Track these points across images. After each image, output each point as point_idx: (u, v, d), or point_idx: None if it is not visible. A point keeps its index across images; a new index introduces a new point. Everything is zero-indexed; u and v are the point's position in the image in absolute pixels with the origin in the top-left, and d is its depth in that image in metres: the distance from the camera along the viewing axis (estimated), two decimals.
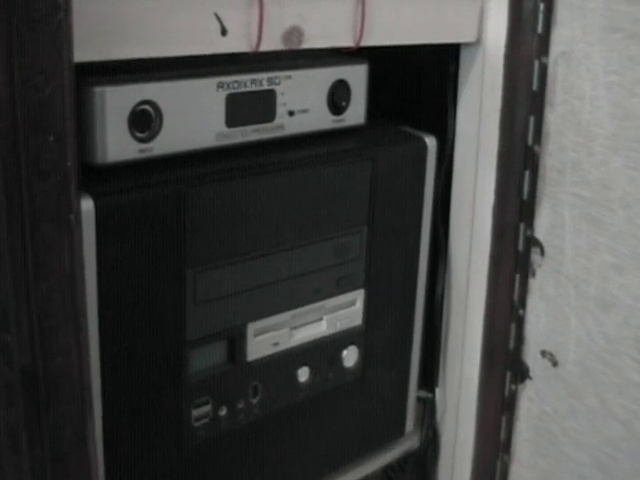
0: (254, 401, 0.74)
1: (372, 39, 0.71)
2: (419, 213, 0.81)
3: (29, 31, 0.47)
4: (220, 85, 0.67)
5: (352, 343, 0.80)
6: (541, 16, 0.74)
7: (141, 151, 0.64)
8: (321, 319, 0.77)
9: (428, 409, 0.92)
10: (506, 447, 0.87)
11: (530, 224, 0.80)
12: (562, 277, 0.77)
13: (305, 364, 0.77)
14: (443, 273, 0.87)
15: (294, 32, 0.66)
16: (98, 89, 0.60)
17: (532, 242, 0.80)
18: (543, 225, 0.79)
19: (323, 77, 0.74)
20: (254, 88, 0.69)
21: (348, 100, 0.76)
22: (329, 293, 0.76)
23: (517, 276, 0.81)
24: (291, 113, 0.72)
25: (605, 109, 0.71)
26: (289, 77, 0.71)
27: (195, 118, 0.66)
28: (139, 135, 0.63)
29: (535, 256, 0.80)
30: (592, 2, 0.70)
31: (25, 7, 0.46)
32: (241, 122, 0.69)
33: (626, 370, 0.73)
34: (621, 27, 0.69)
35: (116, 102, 0.61)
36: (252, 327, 0.71)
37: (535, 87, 0.76)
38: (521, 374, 0.84)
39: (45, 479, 0.53)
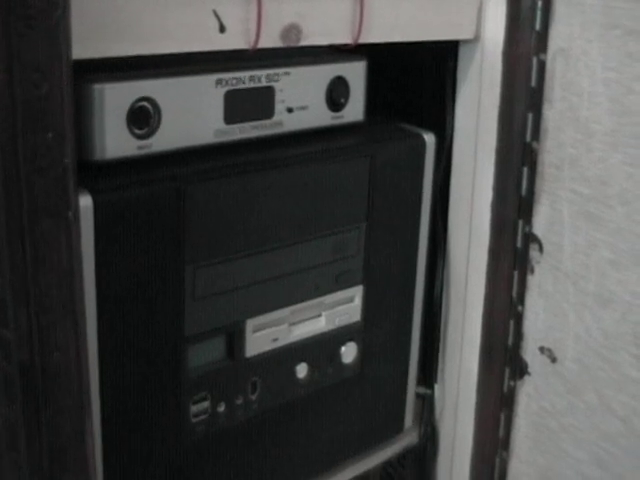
0: (253, 397, 0.74)
1: (370, 36, 0.71)
2: (418, 209, 0.82)
3: (27, 28, 0.47)
4: (219, 82, 0.67)
5: (351, 339, 0.80)
6: (539, 13, 0.74)
7: (140, 148, 0.64)
8: (320, 315, 0.77)
9: (427, 405, 0.92)
10: (505, 443, 0.87)
11: (528, 220, 0.80)
12: (560, 273, 0.77)
13: (304, 360, 0.77)
14: (442, 269, 0.88)
15: (292, 29, 0.66)
16: (97, 86, 0.61)
17: (531, 238, 0.80)
18: (541, 221, 0.79)
19: (322, 74, 0.74)
20: (253, 85, 0.69)
21: (347, 97, 0.76)
22: (328, 289, 0.77)
23: (516, 273, 0.82)
24: (290, 110, 0.72)
25: (603, 105, 0.71)
26: (288, 74, 0.71)
27: (194, 115, 0.66)
28: (138, 132, 0.63)
29: (534, 252, 0.80)
30: None
31: (22, 4, 0.46)
32: (240, 119, 0.69)
33: (624, 366, 0.73)
34: (619, 24, 0.69)
35: (115, 99, 0.61)
36: (251, 323, 0.72)
37: (533, 84, 0.76)
38: (520, 370, 0.84)
39: (43, 474, 0.53)
